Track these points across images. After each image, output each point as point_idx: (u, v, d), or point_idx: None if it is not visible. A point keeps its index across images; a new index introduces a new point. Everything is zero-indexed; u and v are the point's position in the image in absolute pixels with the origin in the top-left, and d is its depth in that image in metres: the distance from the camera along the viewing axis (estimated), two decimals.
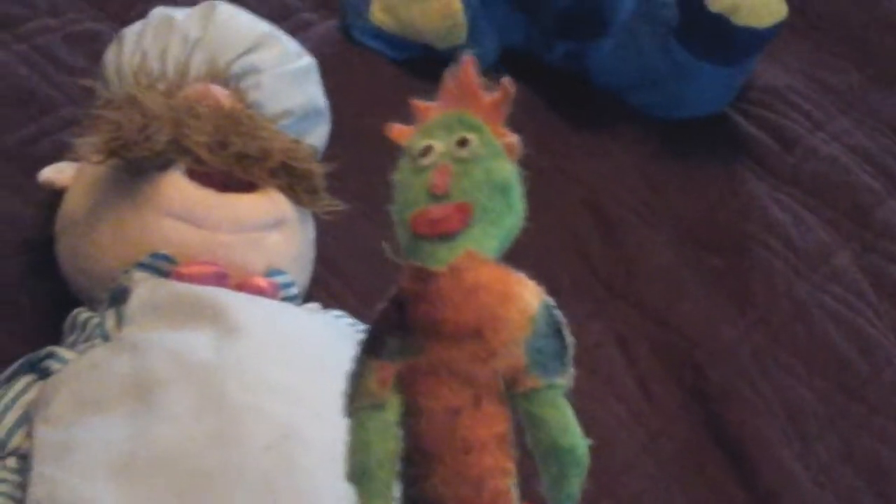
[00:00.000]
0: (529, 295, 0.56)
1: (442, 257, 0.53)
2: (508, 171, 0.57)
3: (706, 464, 0.94)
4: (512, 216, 0.57)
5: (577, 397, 0.94)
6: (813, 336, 1.07)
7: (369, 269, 1.01)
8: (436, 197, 0.54)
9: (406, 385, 0.52)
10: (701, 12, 1.15)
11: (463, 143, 0.55)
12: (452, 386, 0.51)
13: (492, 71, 1.21)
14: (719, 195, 1.20)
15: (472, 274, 0.54)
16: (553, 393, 0.54)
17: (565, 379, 0.55)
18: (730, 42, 1.18)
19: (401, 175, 0.58)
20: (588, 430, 0.92)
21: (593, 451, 0.90)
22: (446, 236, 0.54)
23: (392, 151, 1.12)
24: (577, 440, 0.56)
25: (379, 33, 1.22)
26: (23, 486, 0.68)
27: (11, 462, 0.71)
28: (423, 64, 1.22)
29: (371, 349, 0.54)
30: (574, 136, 1.22)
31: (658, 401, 0.98)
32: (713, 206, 1.19)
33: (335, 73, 1.01)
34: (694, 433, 0.97)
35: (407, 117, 1.16)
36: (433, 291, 0.53)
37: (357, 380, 0.54)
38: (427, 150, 0.56)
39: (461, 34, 1.20)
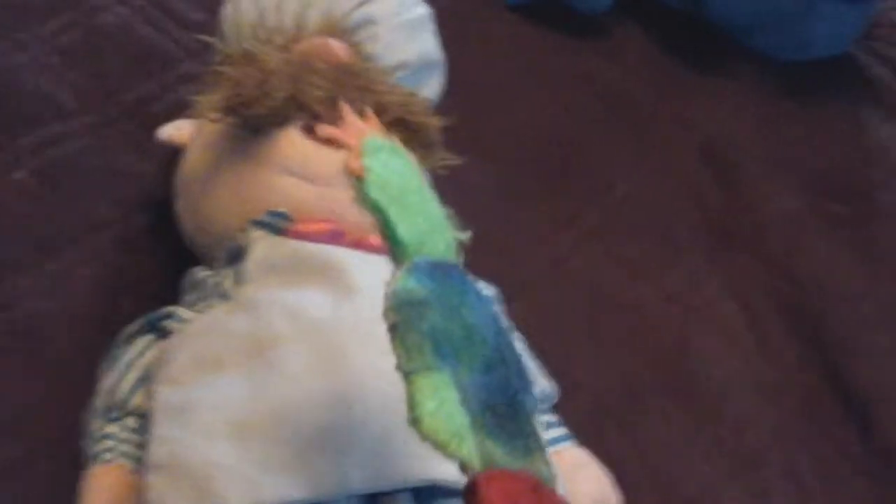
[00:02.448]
0: None
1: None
2: None
3: (827, 420, 0.93)
4: None
5: (693, 350, 0.95)
6: None
7: (483, 224, 1.00)
8: None
9: None
10: None
11: None
12: None
13: (608, 15, 1.22)
14: (843, 140, 1.17)
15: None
16: None
17: None
18: None
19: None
20: (704, 385, 0.92)
21: (710, 406, 0.91)
22: None
23: (510, 99, 1.12)
24: None
25: None
26: (142, 446, 0.69)
27: (131, 422, 0.72)
28: (539, 10, 1.20)
29: None
30: (691, 80, 1.20)
31: (777, 354, 0.97)
32: (836, 151, 1.16)
33: (450, 23, 1.01)
34: (814, 387, 0.95)
35: (519, 64, 1.16)
36: None
37: None
38: None
39: None
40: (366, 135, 0.70)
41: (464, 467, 0.57)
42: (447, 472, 0.64)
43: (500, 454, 0.59)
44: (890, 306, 1.02)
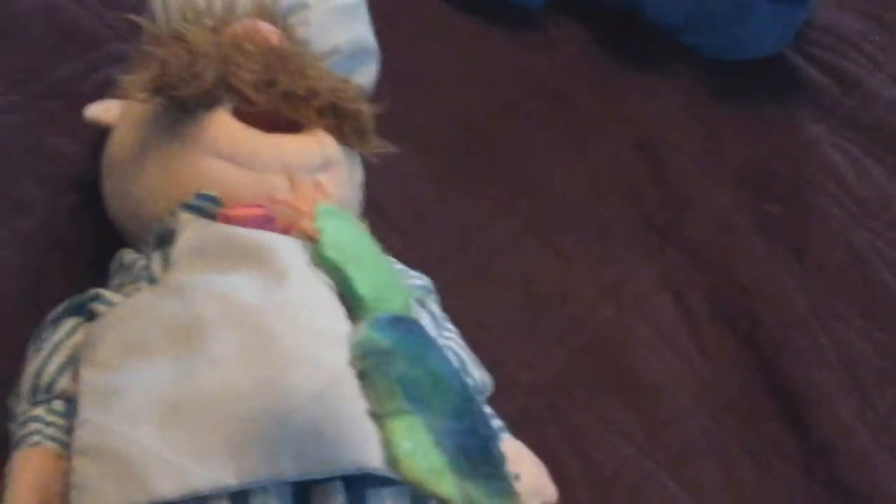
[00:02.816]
0: None
1: None
2: None
3: (760, 415, 0.93)
4: None
5: (628, 345, 0.94)
6: (871, 286, 1.05)
7: (415, 212, 1.00)
8: None
9: None
10: None
11: None
12: None
13: (544, 10, 1.21)
14: (776, 139, 1.18)
15: None
16: None
17: None
18: None
19: None
20: (640, 379, 0.92)
21: (645, 400, 0.90)
22: None
23: (444, 89, 1.11)
24: None
25: None
26: (69, 430, 0.67)
27: (58, 405, 0.70)
28: (474, 4, 1.20)
29: None
30: (627, 77, 1.20)
31: (711, 350, 0.97)
32: (770, 151, 1.17)
33: (384, 12, 0.99)
34: (748, 383, 0.95)
35: (455, 55, 1.15)
36: None
37: None
38: None
39: None
40: (317, 201, 0.75)
41: None
42: (378, 460, 0.63)
43: (479, 494, 0.63)
44: (822, 303, 1.02)
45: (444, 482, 0.62)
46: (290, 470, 0.62)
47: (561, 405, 0.89)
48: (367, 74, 0.96)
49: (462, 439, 0.65)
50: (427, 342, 0.70)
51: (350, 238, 0.75)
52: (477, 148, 1.08)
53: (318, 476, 0.63)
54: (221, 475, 0.61)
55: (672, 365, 0.95)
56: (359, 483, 0.63)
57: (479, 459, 0.65)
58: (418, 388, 0.65)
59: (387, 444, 0.61)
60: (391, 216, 0.97)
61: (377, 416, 0.62)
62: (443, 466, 0.62)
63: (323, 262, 0.71)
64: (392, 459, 0.61)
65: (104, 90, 0.91)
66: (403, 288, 0.75)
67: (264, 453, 0.62)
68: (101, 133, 0.87)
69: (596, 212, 1.06)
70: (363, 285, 0.70)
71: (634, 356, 0.95)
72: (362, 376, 0.64)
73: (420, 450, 0.63)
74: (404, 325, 0.70)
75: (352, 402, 0.65)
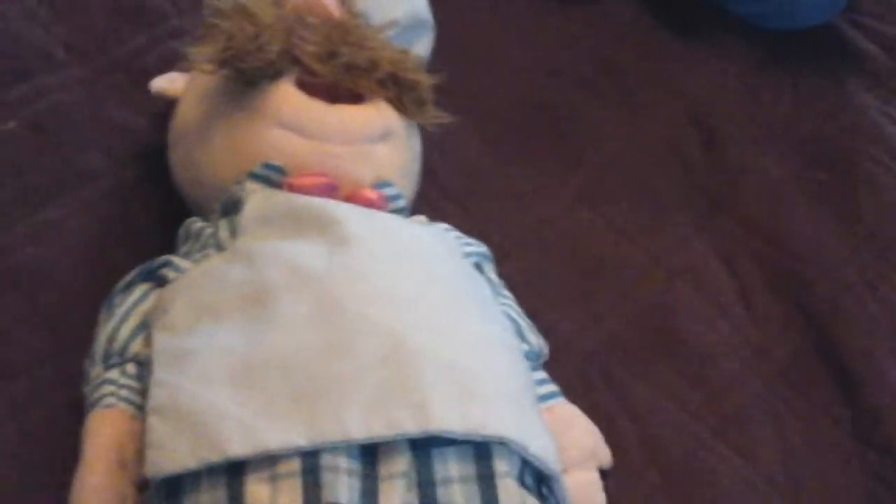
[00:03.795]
0: None
1: None
2: None
3: (811, 381, 0.94)
4: None
5: (680, 312, 0.95)
6: None
7: (470, 181, 1.01)
8: None
9: None
10: None
11: None
12: None
13: None
14: (827, 108, 1.18)
15: None
16: None
17: None
18: None
19: None
20: (692, 346, 0.93)
21: (698, 366, 0.92)
22: None
23: (498, 60, 1.12)
24: None
25: None
26: (143, 392, 0.69)
27: (131, 368, 0.72)
28: None
29: None
30: (679, 49, 1.20)
31: (762, 317, 0.97)
32: (820, 119, 1.17)
33: None
34: (799, 350, 0.96)
35: (508, 26, 1.16)
36: None
37: None
38: None
39: None
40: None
41: None
42: (444, 422, 0.64)
43: None
44: (872, 271, 1.03)
45: None
46: (358, 431, 0.63)
47: (614, 371, 0.90)
48: (423, 46, 0.97)
49: None
50: None
51: None
52: (530, 118, 1.09)
53: (385, 438, 0.64)
54: (292, 435, 0.63)
55: (723, 332, 0.96)
56: (424, 442, 0.65)
57: None
58: None
59: None
60: (447, 186, 0.99)
61: None
62: None
63: None
64: None
65: (167, 64, 0.93)
66: None
67: (333, 415, 0.64)
68: (165, 105, 0.89)
69: (647, 181, 1.07)
70: None
71: (686, 323, 0.96)
72: None
73: None
74: None
75: (414, 365, 0.66)
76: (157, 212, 0.89)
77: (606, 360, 0.91)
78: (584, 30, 1.19)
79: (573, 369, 0.89)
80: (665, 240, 1.02)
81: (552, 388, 0.82)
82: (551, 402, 0.81)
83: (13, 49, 0.98)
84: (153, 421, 0.65)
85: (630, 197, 1.05)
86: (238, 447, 0.63)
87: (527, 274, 0.93)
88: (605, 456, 0.82)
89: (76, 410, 0.72)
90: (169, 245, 0.81)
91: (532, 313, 0.85)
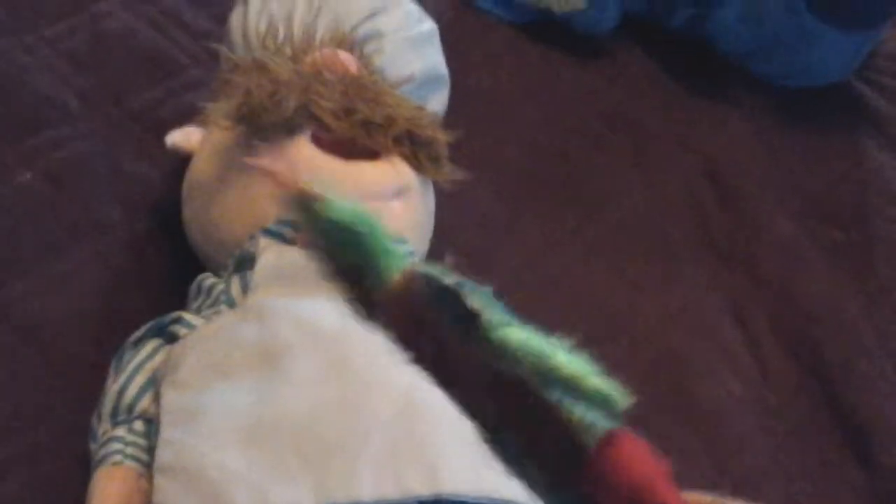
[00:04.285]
0: None
1: None
2: None
3: (824, 443, 0.93)
4: None
5: (692, 371, 0.95)
6: None
7: (485, 239, 1.01)
8: None
9: None
10: None
11: None
12: None
13: (613, 37, 1.22)
14: (841, 166, 1.18)
15: None
16: None
17: None
18: (861, 6, 1.16)
19: None
20: (703, 405, 0.92)
21: (710, 426, 0.91)
22: None
23: (513, 115, 1.12)
24: None
25: None
26: (150, 450, 0.69)
27: (139, 425, 0.72)
28: (540, 28, 1.21)
29: None
30: (694, 105, 1.20)
31: (775, 377, 0.97)
32: (835, 178, 1.17)
33: (454, 39, 1.01)
34: (812, 411, 0.95)
35: (524, 81, 1.16)
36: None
37: None
38: None
39: None
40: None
41: (608, 404, 0.53)
42: (457, 485, 0.64)
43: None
44: (887, 332, 1.02)
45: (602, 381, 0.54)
46: (368, 494, 0.63)
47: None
48: (439, 101, 0.98)
49: None
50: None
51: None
52: (545, 172, 1.09)
53: (394, 499, 0.64)
54: (301, 496, 0.63)
55: (735, 391, 0.95)
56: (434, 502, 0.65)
57: None
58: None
59: (533, 353, 0.53)
60: (460, 241, 0.99)
61: (497, 327, 0.52)
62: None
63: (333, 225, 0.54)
64: (552, 366, 0.52)
65: (183, 116, 0.93)
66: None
67: (342, 476, 0.63)
68: (180, 158, 0.89)
69: (662, 236, 1.06)
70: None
71: (698, 381, 0.95)
72: (454, 290, 0.53)
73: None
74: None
75: (427, 423, 0.66)
76: (170, 264, 0.89)
77: None
78: (600, 84, 1.19)
79: None
80: (678, 295, 1.02)
81: None
82: None
83: (30, 100, 0.98)
84: (160, 481, 0.65)
85: (644, 252, 1.04)
86: None
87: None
88: None
89: (85, 464, 0.72)
90: (183, 297, 0.81)
91: None
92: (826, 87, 1.25)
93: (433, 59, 0.98)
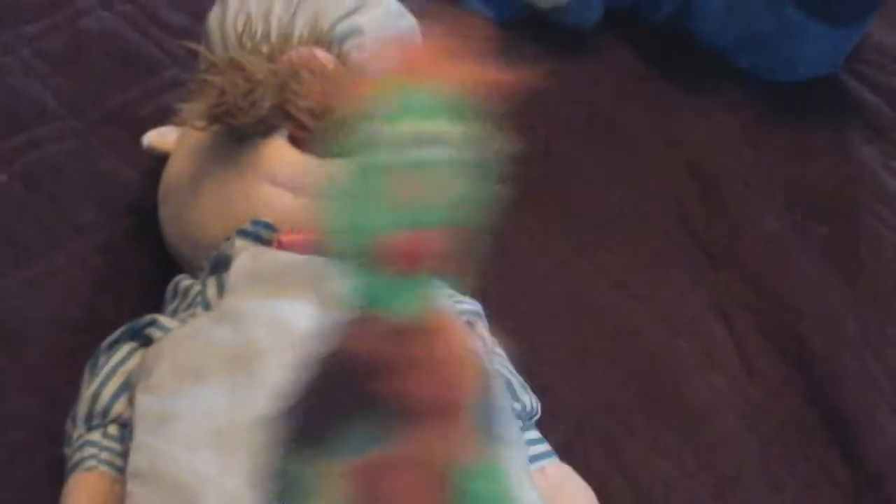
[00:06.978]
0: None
1: (414, 305, 0.42)
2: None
3: (809, 440, 0.92)
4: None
5: (677, 368, 0.94)
6: None
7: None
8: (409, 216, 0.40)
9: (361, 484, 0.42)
10: None
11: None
12: (423, 480, 0.41)
13: (595, 31, 1.21)
14: (828, 161, 1.17)
15: (440, 328, 0.43)
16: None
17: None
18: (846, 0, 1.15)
19: (358, 177, 0.42)
20: (688, 403, 0.92)
21: (694, 424, 0.90)
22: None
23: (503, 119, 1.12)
24: None
25: None
26: (124, 454, 0.68)
27: (113, 430, 0.72)
28: (524, 26, 1.20)
29: (321, 445, 0.43)
30: (677, 99, 1.20)
31: (760, 374, 0.96)
32: (821, 173, 1.16)
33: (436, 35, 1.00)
34: (797, 408, 0.95)
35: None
36: (414, 356, 0.41)
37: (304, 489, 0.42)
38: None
39: None
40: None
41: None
42: None
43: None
44: (873, 328, 1.02)
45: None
46: None
47: (609, 428, 0.89)
48: None
49: None
50: None
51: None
52: (528, 171, 1.08)
53: None
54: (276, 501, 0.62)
55: (721, 389, 0.95)
56: None
57: None
58: None
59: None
60: None
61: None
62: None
63: None
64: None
65: (162, 116, 0.93)
66: None
67: None
68: (157, 159, 0.88)
69: (646, 234, 1.06)
70: None
71: (683, 379, 0.95)
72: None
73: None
74: None
75: None
76: (148, 266, 0.89)
77: (601, 417, 0.90)
78: (583, 80, 1.19)
79: (567, 426, 0.88)
80: (663, 294, 1.01)
81: (544, 447, 0.81)
82: (544, 463, 0.80)
83: (6, 101, 0.98)
84: (133, 486, 0.64)
85: (628, 251, 1.04)
86: None
87: (521, 330, 0.91)
88: None
89: (58, 469, 0.72)
90: (160, 299, 0.80)
91: (527, 369, 0.83)
92: (811, 81, 1.24)
93: None
